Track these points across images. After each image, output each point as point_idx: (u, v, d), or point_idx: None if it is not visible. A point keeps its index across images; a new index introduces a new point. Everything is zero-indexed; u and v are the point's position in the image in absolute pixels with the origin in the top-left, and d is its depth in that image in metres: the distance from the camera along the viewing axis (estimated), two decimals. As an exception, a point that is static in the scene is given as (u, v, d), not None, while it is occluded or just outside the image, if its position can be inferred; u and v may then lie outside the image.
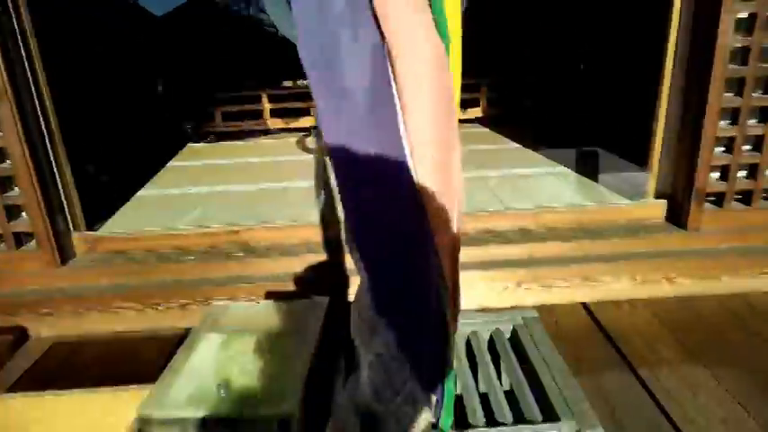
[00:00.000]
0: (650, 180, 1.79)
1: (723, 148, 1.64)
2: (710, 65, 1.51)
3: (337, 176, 0.31)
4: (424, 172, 0.31)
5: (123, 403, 1.01)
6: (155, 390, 0.93)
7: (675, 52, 1.63)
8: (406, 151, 0.30)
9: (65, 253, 1.67)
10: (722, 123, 1.60)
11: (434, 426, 0.38)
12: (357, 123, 0.31)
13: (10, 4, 1.49)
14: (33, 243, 1.63)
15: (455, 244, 0.36)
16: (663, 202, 1.77)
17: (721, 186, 1.65)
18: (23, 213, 1.62)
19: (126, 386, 1.05)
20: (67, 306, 1.57)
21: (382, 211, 0.31)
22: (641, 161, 1.87)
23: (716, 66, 1.51)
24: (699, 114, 1.57)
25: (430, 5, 0.36)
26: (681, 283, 1.60)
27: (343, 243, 1.66)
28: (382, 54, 0.31)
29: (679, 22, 1.60)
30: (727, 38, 1.49)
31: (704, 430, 1.09)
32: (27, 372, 1.42)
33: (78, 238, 1.72)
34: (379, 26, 0.33)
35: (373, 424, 0.34)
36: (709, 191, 1.64)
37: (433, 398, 0.35)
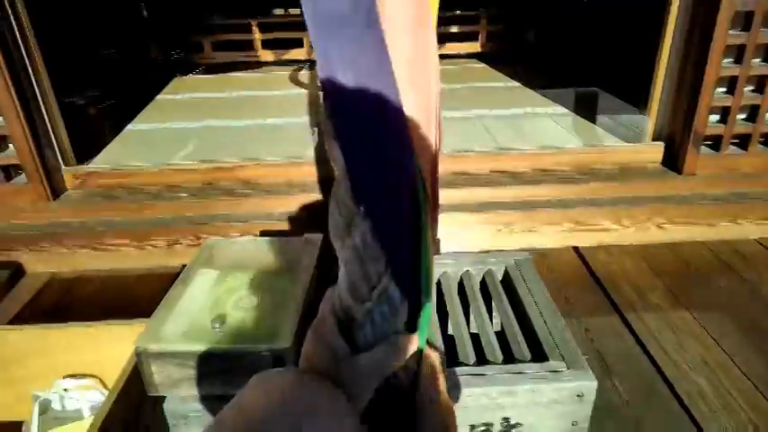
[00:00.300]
0: (648, 122, 1.77)
1: (724, 89, 1.61)
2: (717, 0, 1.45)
3: (318, 53, 0.31)
4: (398, 58, 0.32)
5: (120, 337, 1.03)
6: (151, 323, 0.95)
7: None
8: (382, 33, 0.30)
9: (56, 187, 1.65)
10: (725, 62, 1.56)
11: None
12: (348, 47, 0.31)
13: None
14: (23, 177, 1.61)
15: (431, 142, 0.37)
16: (660, 145, 1.75)
17: (720, 129, 1.63)
18: (10, 145, 1.58)
19: (122, 320, 1.07)
20: (62, 242, 1.57)
21: (356, 92, 0.31)
22: (639, 103, 1.84)
23: (723, 1, 1.45)
24: (702, 53, 1.53)
25: None
26: (672, 228, 1.61)
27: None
28: None
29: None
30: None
31: (686, 373, 1.14)
32: (24, 306, 1.43)
33: (69, 173, 1.70)
34: None
35: (350, 327, 0.36)
36: (707, 134, 1.63)
37: (405, 305, 0.36)
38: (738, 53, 1.55)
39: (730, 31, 1.50)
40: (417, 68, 0.34)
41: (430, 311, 0.39)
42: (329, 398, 0.34)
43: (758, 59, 1.57)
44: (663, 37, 1.63)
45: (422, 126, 0.35)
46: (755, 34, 1.50)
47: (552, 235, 1.62)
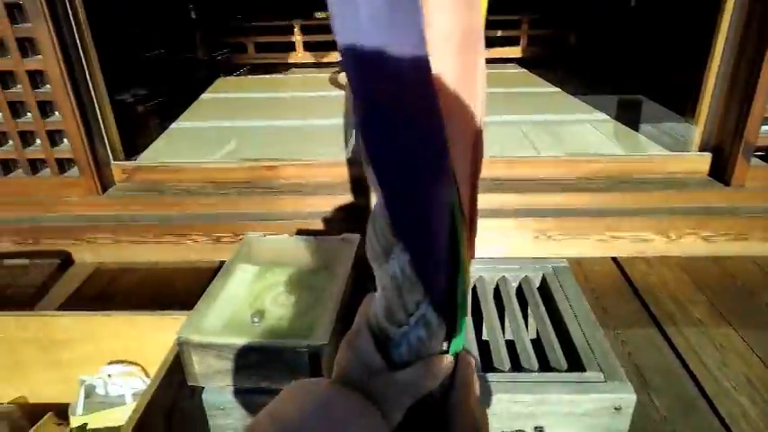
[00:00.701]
0: (696, 131, 1.72)
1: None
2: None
3: (349, 77, 0.29)
4: (442, 83, 0.30)
5: (162, 327, 1.07)
6: (192, 315, 0.98)
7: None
8: (427, 57, 0.28)
9: (105, 181, 1.72)
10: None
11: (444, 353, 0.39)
12: (370, 21, 0.28)
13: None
14: (75, 170, 1.68)
15: (475, 167, 0.35)
16: (707, 156, 1.70)
17: (772, 141, 1.57)
18: (65, 140, 1.66)
19: (165, 311, 1.10)
20: (108, 234, 1.63)
21: (395, 120, 0.30)
22: (685, 111, 1.79)
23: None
24: (756, 60, 1.48)
25: None
26: (717, 241, 1.56)
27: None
28: None
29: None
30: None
31: (728, 391, 1.10)
32: (72, 294, 1.50)
33: (118, 168, 1.76)
34: None
35: (386, 346, 0.36)
36: (759, 144, 1.57)
37: (444, 325, 0.37)
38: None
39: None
40: (462, 94, 0.32)
41: (465, 327, 0.39)
42: (362, 413, 0.34)
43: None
44: (716, 36, 1.58)
45: (462, 155, 0.34)
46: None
47: (591, 244, 1.59)
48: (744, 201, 1.59)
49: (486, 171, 1.47)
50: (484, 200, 1.64)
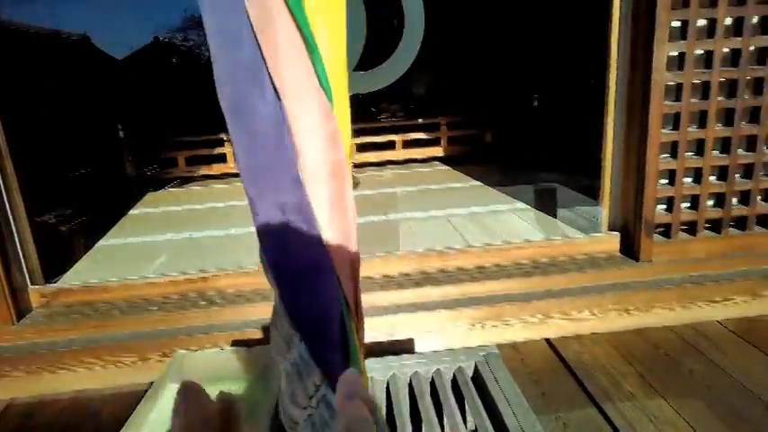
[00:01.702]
0: (603, 213, 1.87)
1: (666, 181, 1.74)
2: (648, 101, 1.62)
3: (250, 202, 0.43)
4: (318, 203, 0.42)
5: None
6: (115, 449, 0.91)
7: (616, 90, 1.74)
8: (305, 186, 0.41)
9: (20, 308, 1.62)
10: (663, 157, 1.70)
11: None
12: (263, 160, 0.41)
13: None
14: (-13, 299, 1.58)
15: (353, 265, 0.47)
16: (616, 235, 1.84)
17: (668, 218, 1.74)
18: (-23, 268, 1.57)
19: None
20: (22, 366, 1.51)
21: (285, 234, 0.42)
22: (597, 195, 1.96)
23: (653, 102, 1.61)
24: (641, 149, 1.67)
25: (310, 56, 0.45)
26: (637, 314, 1.66)
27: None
28: (280, 107, 0.43)
29: (617, 61, 1.72)
30: (661, 75, 1.60)
31: (665, 459, 1.12)
32: (-23, 437, 1.35)
33: (36, 292, 1.68)
34: (272, 82, 0.44)
35: (294, 429, 0.41)
36: (657, 222, 1.73)
37: None
38: (673, 148, 1.69)
39: (663, 130, 1.66)
40: (336, 209, 0.43)
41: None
42: None
43: (691, 152, 1.72)
44: (605, 126, 1.78)
45: (343, 254, 0.43)
46: (685, 133, 1.66)
47: (524, 328, 1.64)
48: (653, 274, 1.72)
49: (418, 265, 1.54)
50: (418, 294, 1.68)
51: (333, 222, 0.43)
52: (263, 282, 1.71)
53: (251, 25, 0.44)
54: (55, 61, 3.28)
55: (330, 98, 0.48)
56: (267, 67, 0.44)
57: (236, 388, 1.10)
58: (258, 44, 0.45)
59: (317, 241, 0.41)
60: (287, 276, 0.41)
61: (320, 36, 0.46)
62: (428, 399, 1.03)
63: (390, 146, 3.94)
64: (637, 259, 1.74)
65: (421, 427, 0.99)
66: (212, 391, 0.98)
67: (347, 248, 0.44)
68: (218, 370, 1.17)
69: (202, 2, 0.47)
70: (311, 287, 0.41)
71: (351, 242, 0.45)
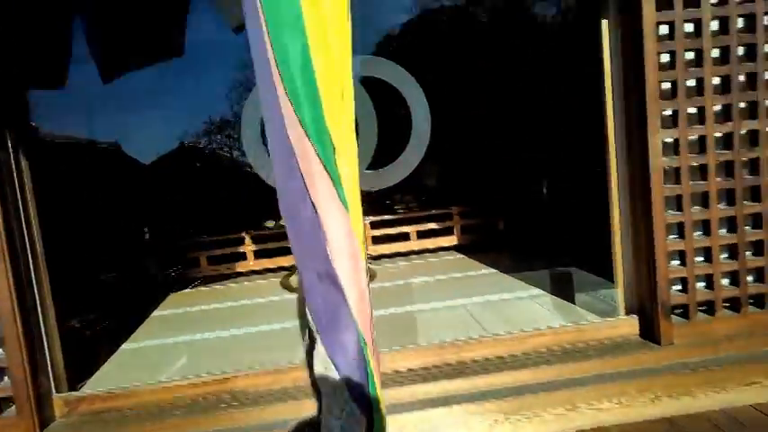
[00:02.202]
0: (619, 297, 1.88)
1: (678, 262, 1.75)
2: (648, 185, 1.68)
3: (298, 272, 0.84)
4: (342, 272, 0.82)
5: None
6: None
7: (617, 175, 1.82)
8: (332, 261, 0.82)
9: (44, 417, 1.63)
10: (671, 237, 1.73)
11: None
12: (306, 245, 0.85)
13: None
14: (13, 409, 1.60)
15: (365, 311, 0.83)
16: (635, 318, 1.83)
17: (683, 298, 1.73)
18: (5, 377, 1.61)
19: None
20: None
21: (321, 290, 0.82)
22: (612, 277, 1.96)
23: (654, 185, 1.68)
24: (647, 230, 1.71)
25: (333, 184, 0.87)
26: (665, 401, 1.61)
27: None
28: (316, 215, 0.85)
29: (616, 149, 1.81)
30: (658, 160, 1.67)
31: None
32: None
33: (60, 400, 1.69)
34: (311, 200, 0.87)
35: None
36: (673, 303, 1.72)
37: (364, 419, 0.75)
38: (679, 228, 1.73)
39: (668, 212, 1.71)
40: (353, 276, 0.83)
41: (381, 418, 0.77)
42: None
43: (699, 232, 1.75)
44: (612, 218, 1.84)
45: (359, 303, 0.83)
46: (689, 213, 1.71)
47: (551, 420, 1.59)
48: (676, 357, 1.68)
49: (438, 357, 1.56)
50: (440, 388, 1.66)
51: (351, 284, 0.81)
52: (282, 380, 1.72)
53: (298, 164, 0.87)
54: (88, 169, 3.51)
55: (347, 208, 0.89)
56: (308, 192, 0.87)
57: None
58: (303, 177, 0.87)
59: (342, 296, 0.80)
60: (324, 322, 0.81)
61: (341, 166, 0.89)
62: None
63: (405, 237, 4.03)
64: (658, 342, 1.72)
65: None
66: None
67: (363, 302, 0.82)
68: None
69: (273, 150, 0.89)
70: (340, 323, 0.79)
71: (365, 299, 0.82)
